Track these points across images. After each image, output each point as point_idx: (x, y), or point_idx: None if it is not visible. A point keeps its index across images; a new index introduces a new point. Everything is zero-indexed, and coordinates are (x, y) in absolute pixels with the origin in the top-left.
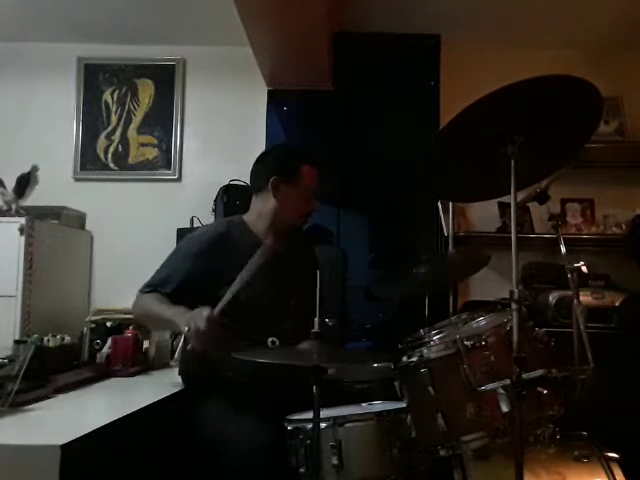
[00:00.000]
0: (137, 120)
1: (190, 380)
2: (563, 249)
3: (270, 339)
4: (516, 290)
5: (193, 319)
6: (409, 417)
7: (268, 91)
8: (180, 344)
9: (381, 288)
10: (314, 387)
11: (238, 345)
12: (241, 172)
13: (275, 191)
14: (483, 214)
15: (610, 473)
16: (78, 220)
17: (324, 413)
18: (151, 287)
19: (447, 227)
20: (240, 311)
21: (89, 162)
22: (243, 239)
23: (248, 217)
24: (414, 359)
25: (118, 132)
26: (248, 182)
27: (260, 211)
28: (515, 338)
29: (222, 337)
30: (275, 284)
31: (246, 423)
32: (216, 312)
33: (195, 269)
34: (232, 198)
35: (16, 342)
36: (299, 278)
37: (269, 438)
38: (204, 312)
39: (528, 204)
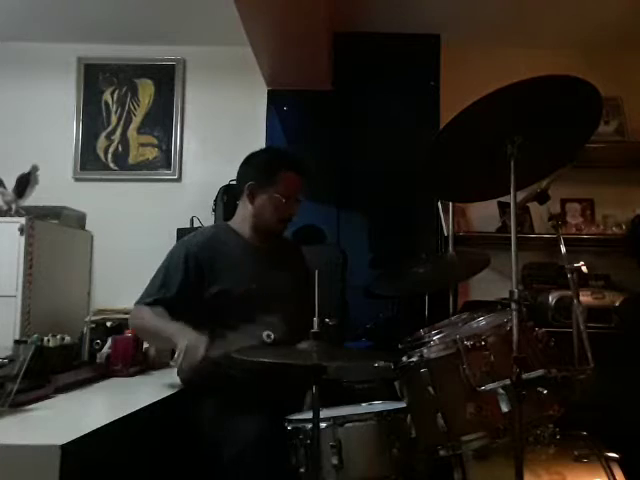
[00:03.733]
0: (137, 120)
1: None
2: (563, 249)
3: (265, 332)
4: (516, 290)
5: (190, 350)
6: (409, 417)
7: (268, 91)
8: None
9: (380, 286)
10: (314, 387)
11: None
12: None
13: (250, 197)
14: (483, 214)
15: (610, 473)
16: (78, 220)
17: (324, 413)
18: (150, 298)
19: (447, 227)
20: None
21: (89, 162)
22: (230, 240)
23: (233, 222)
24: (414, 359)
25: (118, 132)
26: None
27: (243, 215)
28: (515, 338)
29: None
30: (259, 280)
31: (245, 423)
32: (213, 355)
33: (189, 270)
34: (232, 198)
35: (16, 342)
36: (286, 280)
37: (269, 438)
38: (200, 349)
39: (528, 204)
